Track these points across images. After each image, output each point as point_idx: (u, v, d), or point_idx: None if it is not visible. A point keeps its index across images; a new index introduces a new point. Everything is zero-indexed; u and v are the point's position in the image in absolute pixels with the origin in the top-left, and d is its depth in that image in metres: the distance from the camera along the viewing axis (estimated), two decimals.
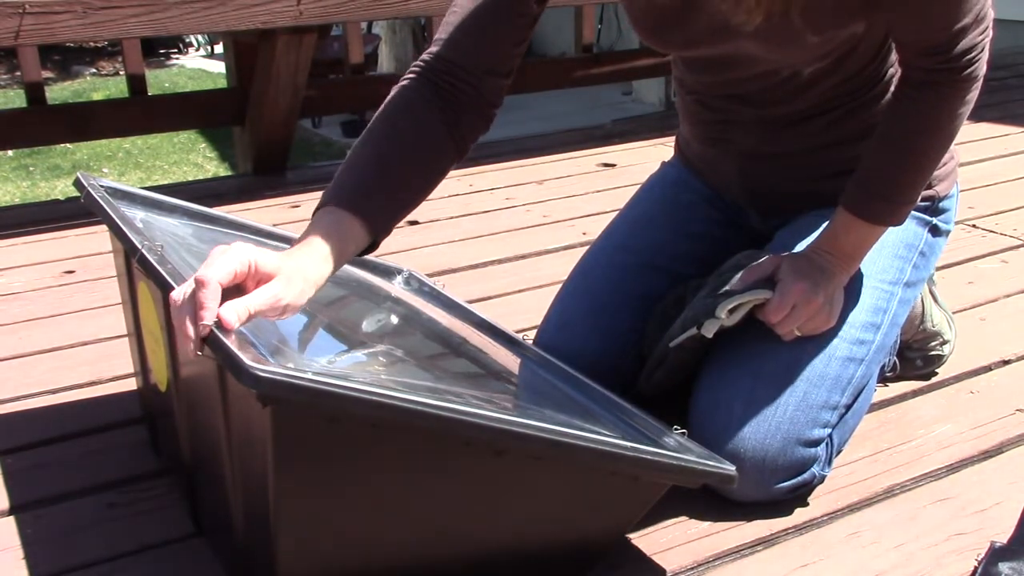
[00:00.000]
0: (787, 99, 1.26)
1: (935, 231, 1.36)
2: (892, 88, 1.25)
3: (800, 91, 1.24)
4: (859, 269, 1.27)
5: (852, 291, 1.26)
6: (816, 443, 1.19)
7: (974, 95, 1.16)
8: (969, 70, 1.13)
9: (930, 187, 1.33)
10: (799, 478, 1.19)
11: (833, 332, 1.22)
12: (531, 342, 1.35)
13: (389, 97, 1.11)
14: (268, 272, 0.92)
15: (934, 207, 1.35)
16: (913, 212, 1.32)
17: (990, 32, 1.14)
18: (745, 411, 1.18)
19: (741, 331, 1.21)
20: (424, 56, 1.14)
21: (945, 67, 1.13)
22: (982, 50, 1.13)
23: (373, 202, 1.04)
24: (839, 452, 1.29)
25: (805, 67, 1.21)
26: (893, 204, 1.19)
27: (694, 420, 1.22)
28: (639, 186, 1.54)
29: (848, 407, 1.24)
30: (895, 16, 1.13)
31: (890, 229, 1.30)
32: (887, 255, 1.30)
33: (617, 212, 1.51)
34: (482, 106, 1.14)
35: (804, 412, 1.18)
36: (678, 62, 1.35)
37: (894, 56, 1.26)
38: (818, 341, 1.21)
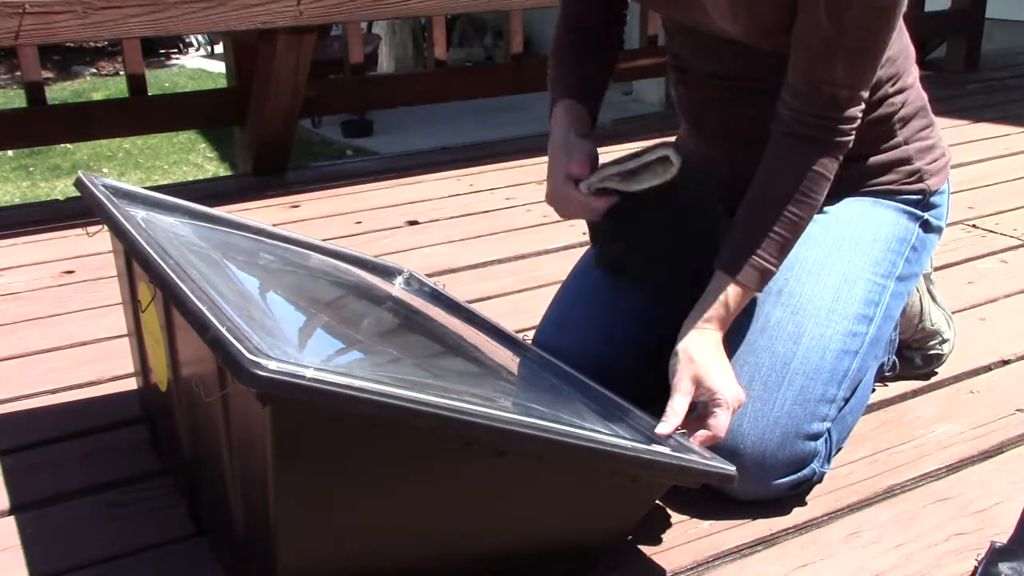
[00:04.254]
0: (762, 76, 1.25)
1: (926, 227, 1.36)
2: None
3: (777, 70, 1.23)
4: (852, 261, 1.27)
5: (845, 282, 1.25)
6: (815, 437, 1.19)
7: (836, 166, 1.16)
8: (845, 137, 1.15)
9: (921, 180, 1.34)
10: (799, 474, 1.19)
11: (826, 325, 1.22)
12: (530, 342, 1.35)
13: (555, 39, 1.40)
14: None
15: (925, 201, 1.35)
16: (904, 206, 1.33)
17: (859, 116, 1.15)
18: (743, 407, 1.17)
19: (737, 328, 1.22)
20: (558, 20, 1.40)
21: (826, 123, 1.14)
22: (854, 124, 1.15)
23: (588, 92, 1.35)
24: (838, 450, 1.29)
25: (765, 41, 1.20)
26: (764, 264, 1.16)
27: (694, 419, 1.21)
28: None
29: (846, 400, 1.24)
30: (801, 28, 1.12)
31: (882, 222, 1.30)
32: (880, 248, 1.30)
33: None
34: (612, 24, 1.39)
35: (802, 406, 1.18)
36: (669, 40, 1.37)
37: (892, 51, 1.25)
38: (812, 335, 1.21)
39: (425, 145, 3.34)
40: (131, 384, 1.51)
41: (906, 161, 1.33)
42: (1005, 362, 1.56)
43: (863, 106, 1.15)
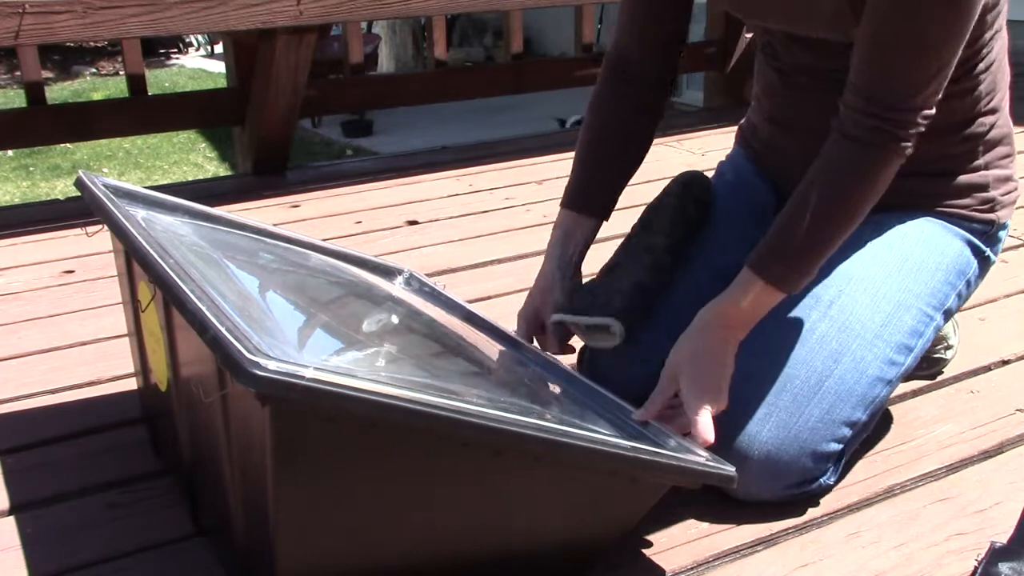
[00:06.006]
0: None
1: (983, 263, 1.33)
2: (977, 92, 1.23)
3: None
4: (909, 287, 1.24)
5: (897, 309, 1.23)
6: (828, 457, 1.19)
7: (888, 175, 1.10)
8: (899, 143, 1.09)
9: (993, 210, 1.31)
10: (806, 487, 1.19)
11: (869, 349, 1.20)
12: (584, 355, 1.35)
13: (590, 99, 1.37)
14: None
15: (992, 233, 1.32)
16: (971, 236, 1.30)
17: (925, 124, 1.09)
18: (767, 415, 1.17)
19: (781, 333, 1.21)
20: (608, 50, 1.37)
21: (878, 124, 1.08)
22: (917, 135, 1.09)
23: (591, 197, 1.35)
24: (844, 461, 1.28)
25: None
26: (790, 265, 1.12)
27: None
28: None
29: (865, 425, 1.23)
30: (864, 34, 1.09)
31: (948, 251, 1.27)
32: (940, 278, 1.27)
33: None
34: (660, 79, 1.35)
35: (825, 425, 1.17)
36: (764, 33, 1.35)
37: (985, 73, 1.23)
38: (854, 357, 1.19)
39: (425, 145, 3.34)
40: (131, 384, 1.51)
41: (983, 187, 1.30)
42: (1005, 362, 1.56)
43: (925, 112, 1.09)
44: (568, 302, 1.30)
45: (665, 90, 1.37)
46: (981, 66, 1.23)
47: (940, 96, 1.10)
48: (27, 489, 1.27)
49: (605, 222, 1.36)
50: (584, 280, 1.36)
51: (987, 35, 1.20)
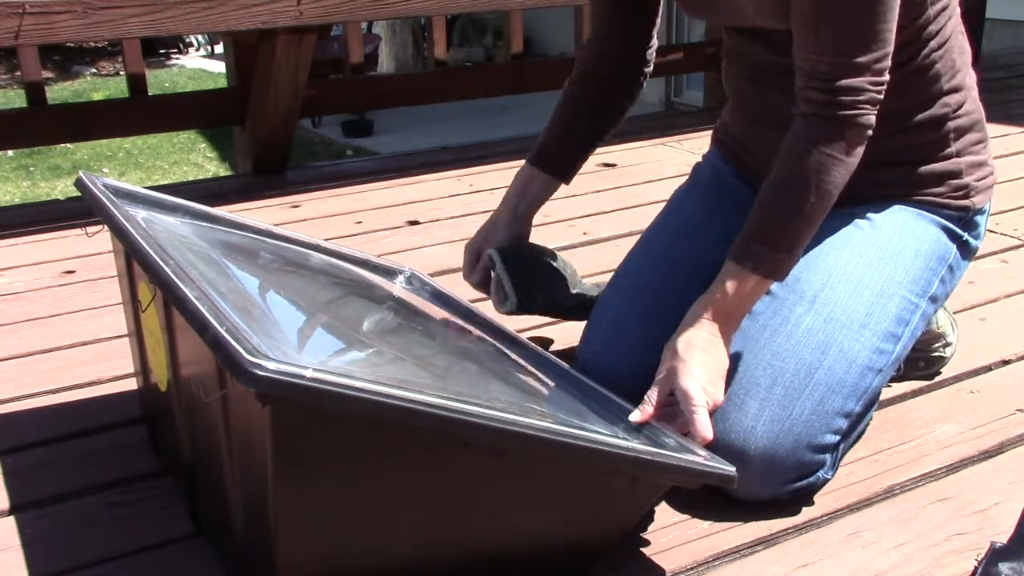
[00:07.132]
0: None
1: (964, 249, 1.34)
2: (933, 83, 1.24)
3: None
4: (890, 276, 1.25)
5: (880, 297, 1.24)
6: (826, 449, 1.19)
7: (850, 149, 1.11)
8: (848, 111, 1.09)
9: (967, 196, 1.32)
10: (804, 481, 1.19)
11: (856, 339, 1.21)
12: (576, 354, 1.35)
13: (571, 75, 1.47)
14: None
15: (968, 219, 1.33)
16: (946, 222, 1.31)
17: (883, 87, 1.11)
18: (760, 409, 1.17)
19: (768, 330, 1.21)
20: (588, 37, 1.48)
21: (822, 96, 1.10)
22: (871, 103, 1.10)
23: (553, 158, 1.46)
24: (842, 457, 1.28)
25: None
26: (768, 249, 1.13)
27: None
28: (676, 188, 1.53)
29: (860, 416, 1.23)
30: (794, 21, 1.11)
31: (925, 237, 1.28)
32: (920, 265, 1.28)
33: (657, 214, 1.50)
34: (635, 65, 1.44)
35: (819, 417, 1.18)
36: (726, 35, 1.37)
37: (939, 51, 1.24)
38: (841, 347, 1.20)
39: (425, 145, 3.34)
40: (131, 384, 1.51)
41: (956, 175, 1.31)
42: (1005, 362, 1.56)
43: (873, 79, 1.10)
44: (513, 249, 1.43)
45: (639, 72, 1.45)
46: (933, 43, 1.23)
47: (888, 62, 1.10)
48: (27, 489, 1.27)
49: (565, 184, 1.46)
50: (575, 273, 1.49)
51: (931, 10, 1.21)
